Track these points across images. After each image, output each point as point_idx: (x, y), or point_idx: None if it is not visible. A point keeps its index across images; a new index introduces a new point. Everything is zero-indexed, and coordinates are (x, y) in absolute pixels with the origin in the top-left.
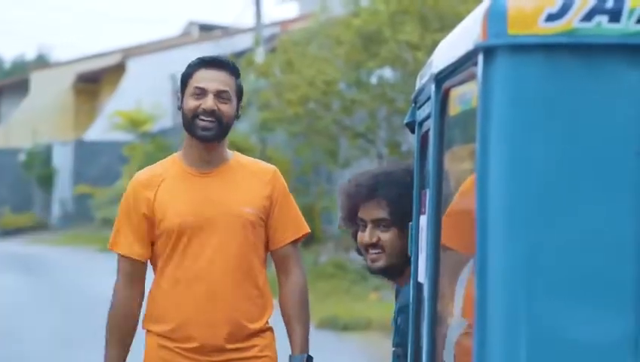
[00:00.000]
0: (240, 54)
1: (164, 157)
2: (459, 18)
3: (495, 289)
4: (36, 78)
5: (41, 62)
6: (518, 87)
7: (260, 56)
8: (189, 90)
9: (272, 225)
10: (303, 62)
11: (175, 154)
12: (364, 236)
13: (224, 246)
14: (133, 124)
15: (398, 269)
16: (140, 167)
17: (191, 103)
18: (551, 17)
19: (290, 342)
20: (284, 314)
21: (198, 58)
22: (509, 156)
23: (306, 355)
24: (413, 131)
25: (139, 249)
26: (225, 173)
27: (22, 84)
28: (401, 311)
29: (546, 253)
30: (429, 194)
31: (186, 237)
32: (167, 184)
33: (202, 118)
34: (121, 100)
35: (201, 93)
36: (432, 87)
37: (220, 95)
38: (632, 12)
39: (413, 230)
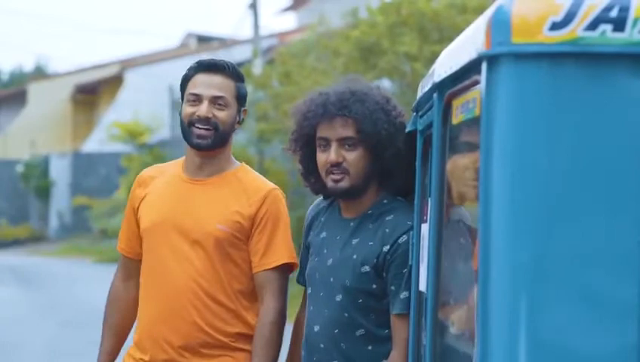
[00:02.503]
0: (238, 66)
1: None
2: (457, 29)
3: (498, 299)
4: (34, 90)
5: (39, 73)
6: (522, 96)
7: (257, 67)
8: (186, 96)
9: (251, 248)
10: (300, 74)
11: (183, 157)
12: (330, 155)
13: (188, 258)
14: (131, 135)
15: (360, 190)
16: None
17: (187, 110)
18: (555, 26)
19: None
20: (252, 346)
21: (197, 62)
22: (512, 165)
23: None
24: (414, 140)
25: (124, 244)
26: (215, 184)
27: (20, 95)
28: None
29: (550, 263)
30: (430, 202)
31: (153, 242)
32: (158, 185)
33: (198, 125)
34: (118, 112)
35: (196, 99)
36: (435, 95)
37: (215, 101)
38: (636, 21)
39: (414, 239)
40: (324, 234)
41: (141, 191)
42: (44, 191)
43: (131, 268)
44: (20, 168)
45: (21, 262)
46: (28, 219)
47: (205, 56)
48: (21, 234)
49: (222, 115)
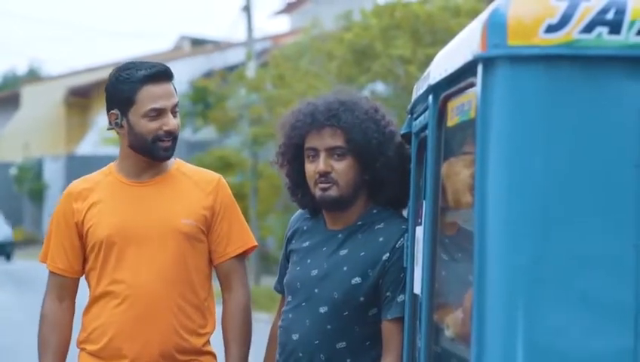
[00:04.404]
0: (231, 68)
1: None
2: (451, 32)
3: (494, 301)
4: (27, 92)
5: (33, 76)
6: (518, 98)
7: (251, 70)
8: (140, 110)
9: (213, 238)
10: (294, 77)
11: (111, 164)
12: (318, 165)
13: (159, 260)
14: None
15: (349, 200)
16: None
17: (150, 126)
18: (551, 28)
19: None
20: (223, 334)
21: (137, 71)
22: (508, 167)
23: None
24: (409, 142)
25: (62, 264)
26: (163, 182)
27: (13, 98)
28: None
29: (546, 265)
30: (425, 205)
31: (117, 250)
32: (99, 194)
33: (164, 139)
34: None
35: (159, 113)
36: (430, 98)
37: (174, 110)
38: (632, 24)
39: (409, 241)
40: (307, 244)
41: (81, 205)
42: (37, 194)
43: (67, 288)
44: (13, 171)
45: (15, 265)
46: (21, 222)
47: (199, 58)
48: (15, 238)
49: (178, 120)
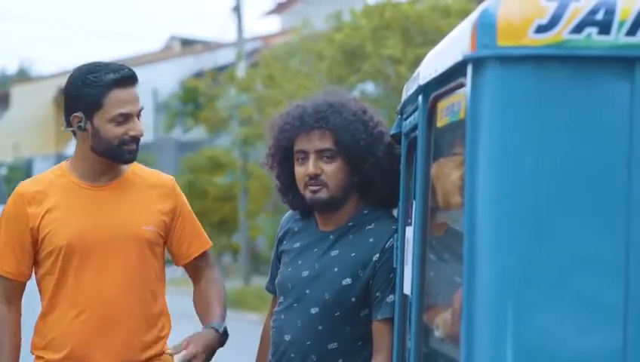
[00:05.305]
0: (222, 69)
1: None
2: (441, 33)
3: (484, 302)
4: (17, 92)
5: (23, 76)
6: (507, 99)
7: (241, 70)
8: (107, 114)
9: (175, 240)
10: (284, 77)
11: (63, 163)
12: (308, 167)
13: (121, 267)
14: None
15: (339, 202)
16: None
17: (116, 131)
18: (541, 29)
19: (208, 315)
20: (198, 306)
21: (104, 74)
22: (498, 167)
23: (224, 324)
24: (399, 143)
25: (10, 267)
26: (121, 187)
27: (3, 98)
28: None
29: (537, 266)
30: (415, 205)
31: (76, 257)
32: (55, 198)
33: (129, 143)
34: None
35: (125, 118)
36: (420, 98)
37: (139, 114)
38: (621, 24)
39: (398, 241)
40: (298, 245)
41: (36, 210)
42: None
43: (15, 290)
44: (3, 171)
45: None
46: None
47: (188, 58)
48: None
49: (143, 125)
